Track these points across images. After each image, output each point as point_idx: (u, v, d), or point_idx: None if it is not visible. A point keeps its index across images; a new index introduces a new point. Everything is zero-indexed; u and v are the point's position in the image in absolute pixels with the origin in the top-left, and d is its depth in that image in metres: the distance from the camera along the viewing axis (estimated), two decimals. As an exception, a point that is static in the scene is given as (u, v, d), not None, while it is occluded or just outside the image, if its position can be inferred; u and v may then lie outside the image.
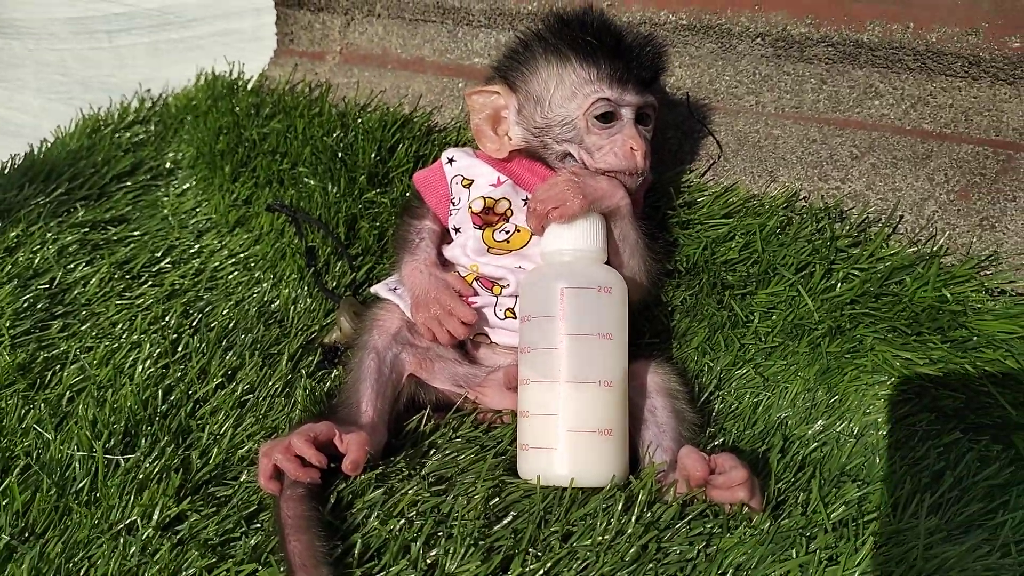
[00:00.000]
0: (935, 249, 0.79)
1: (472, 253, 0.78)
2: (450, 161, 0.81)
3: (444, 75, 1.06)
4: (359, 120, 1.00)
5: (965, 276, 0.76)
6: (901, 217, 0.84)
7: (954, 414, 0.78)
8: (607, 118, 0.74)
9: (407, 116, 1.00)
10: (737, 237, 0.84)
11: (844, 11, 0.86)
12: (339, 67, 1.13)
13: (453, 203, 0.80)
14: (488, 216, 0.77)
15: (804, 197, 0.87)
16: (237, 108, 1.06)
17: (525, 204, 0.77)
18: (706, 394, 0.84)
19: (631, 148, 0.74)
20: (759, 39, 0.91)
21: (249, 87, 1.12)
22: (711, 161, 0.92)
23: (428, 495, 0.66)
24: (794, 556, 0.61)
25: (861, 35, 0.86)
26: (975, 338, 0.75)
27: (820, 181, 0.88)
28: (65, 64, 1.50)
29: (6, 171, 1.06)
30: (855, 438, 0.78)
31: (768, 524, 0.63)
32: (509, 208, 0.78)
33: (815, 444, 0.78)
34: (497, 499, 0.67)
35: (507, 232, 0.77)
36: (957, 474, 0.73)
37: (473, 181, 0.79)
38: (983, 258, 0.79)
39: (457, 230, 0.80)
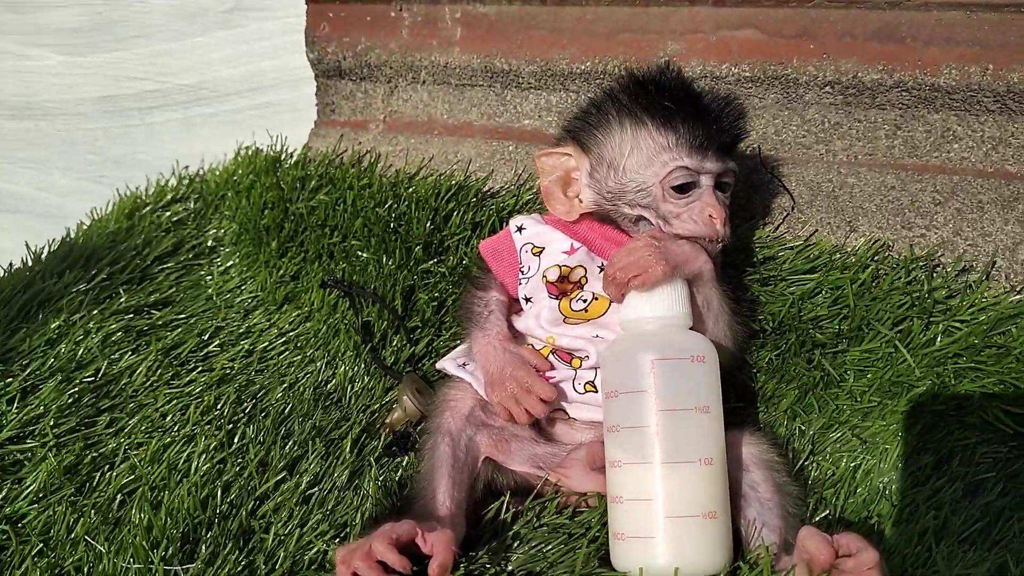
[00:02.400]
0: (1045, 294, 0.74)
1: (547, 324, 0.73)
2: (519, 229, 0.77)
3: (493, 139, 1.04)
4: (410, 189, 0.97)
5: (1083, 324, 0.71)
6: (995, 263, 0.79)
7: (1077, 473, 0.72)
8: (685, 188, 0.70)
9: (460, 183, 0.96)
10: (824, 292, 0.80)
11: (918, 56, 0.83)
12: (383, 135, 1.11)
13: (523, 272, 0.76)
14: (563, 285, 0.73)
15: (889, 247, 0.82)
16: (282, 182, 1.03)
17: (601, 271, 0.73)
18: (801, 461, 0.78)
19: (710, 216, 0.71)
20: (828, 87, 0.88)
21: (293, 160, 1.09)
22: (785, 214, 0.88)
23: (521, 593, 0.60)
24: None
25: (937, 79, 0.82)
26: (1098, 391, 0.70)
27: (904, 229, 0.83)
28: (96, 142, 1.50)
29: (43, 256, 1.03)
30: (969, 500, 0.72)
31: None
32: (584, 276, 0.73)
33: (927, 508, 0.71)
34: (595, 596, 0.61)
35: (584, 301, 0.72)
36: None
37: (544, 249, 0.75)
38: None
39: (528, 300, 0.75)
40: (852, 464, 0.78)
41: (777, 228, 0.88)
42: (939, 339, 0.76)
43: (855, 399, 0.79)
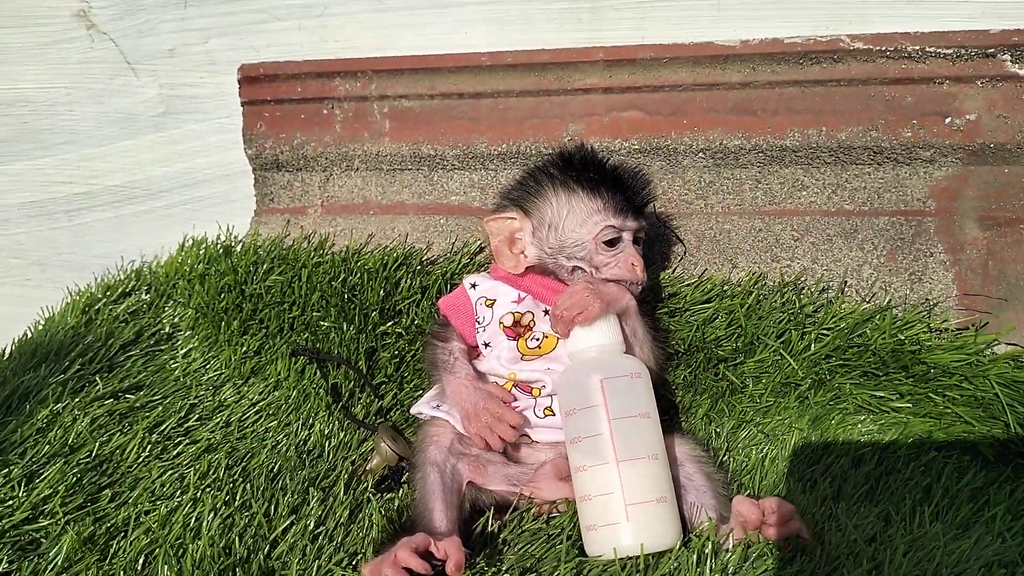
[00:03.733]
0: (886, 302, 0.96)
1: (507, 362, 0.87)
2: (473, 286, 0.92)
3: (426, 214, 1.18)
4: (359, 262, 1.10)
5: (913, 320, 0.93)
6: (846, 283, 1.01)
7: (927, 437, 0.92)
8: (612, 243, 0.88)
9: (404, 253, 1.10)
10: (720, 317, 0.98)
11: (767, 124, 1.05)
12: (322, 218, 1.23)
13: (479, 322, 0.90)
14: (517, 328, 0.88)
15: (765, 276, 1.02)
16: (238, 267, 1.13)
17: (546, 315, 0.88)
18: (720, 457, 0.95)
19: (632, 264, 0.88)
20: (700, 153, 1.08)
21: (241, 247, 1.19)
22: (679, 258, 1.07)
23: (522, 582, 0.73)
24: (846, 573, 0.72)
25: (784, 141, 1.05)
26: (932, 370, 0.91)
27: (773, 262, 1.04)
28: (20, 246, 1.52)
29: (6, 356, 1.07)
30: (854, 469, 0.91)
31: (818, 550, 0.74)
32: (532, 320, 0.89)
33: (824, 480, 0.89)
34: (581, 576, 0.74)
35: (537, 340, 0.87)
36: (943, 485, 0.87)
37: (496, 300, 0.90)
38: (920, 305, 0.96)
39: (487, 345, 0.90)
40: (760, 455, 0.96)
41: (675, 270, 1.06)
42: (813, 345, 0.96)
43: (755, 401, 0.98)
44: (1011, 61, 0.97)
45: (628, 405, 0.79)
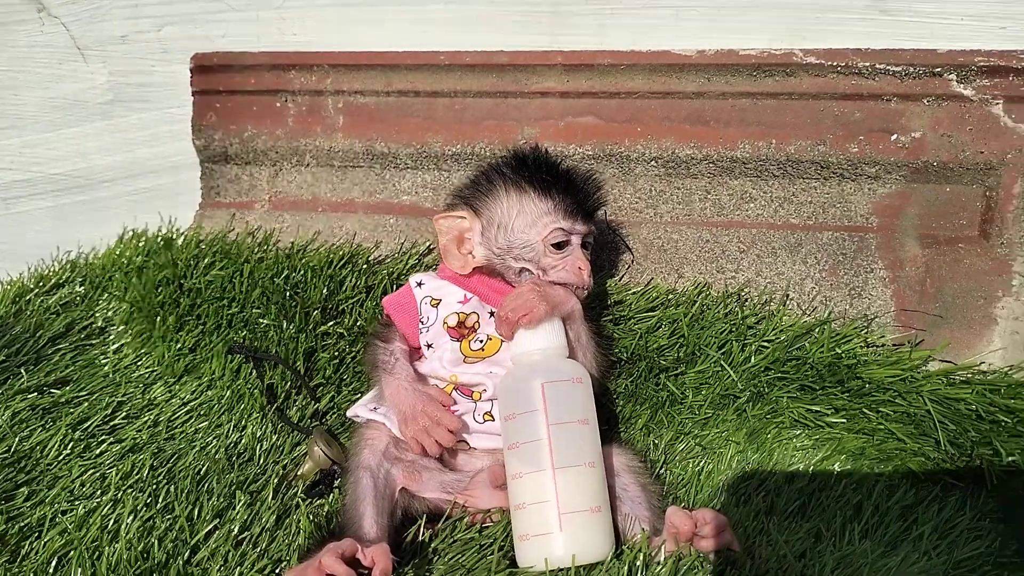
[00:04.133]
0: (825, 316, 0.96)
1: (449, 364, 0.86)
2: (419, 284, 0.90)
3: (375, 213, 1.16)
4: (304, 259, 1.07)
5: (851, 335, 0.93)
6: (788, 296, 1.01)
7: (860, 453, 0.93)
8: (561, 246, 0.87)
9: (351, 251, 1.08)
10: (664, 326, 0.98)
11: (719, 135, 1.05)
12: (269, 213, 1.20)
13: (423, 322, 0.89)
14: (461, 329, 0.86)
15: (709, 286, 1.02)
16: (177, 260, 1.10)
17: (491, 316, 0.87)
18: (656, 469, 0.94)
19: (579, 268, 0.87)
20: (653, 162, 1.08)
21: (183, 239, 1.16)
22: (627, 266, 1.06)
23: (449, 591, 0.71)
24: (775, 588, 0.72)
25: (735, 152, 1.05)
26: (867, 385, 0.91)
27: (719, 273, 1.04)
28: (-46, 236, 1.47)
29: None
30: (788, 484, 0.91)
31: (748, 563, 0.73)
32: (477, 321, 0.87)
33: (758, 494, 0.90)
34: (511, 587, 0.73)
35: (480, 341, 0.86)
36: (873, 502, 0.87)
37: (441, 300, 0.88)
38: (859, 320, 0.96)
39: (430, 346, 0.88)
40: (697, 468, 0.95)
41: (622, 278, 1.06)
42: (753, 357, 0.96)
43: (695, 413, 0.97)
44: (956, 81, 0.99)
45: (568, 411, 0.78)
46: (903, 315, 0.97)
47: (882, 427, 0.91)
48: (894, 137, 1.01)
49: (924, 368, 0.92)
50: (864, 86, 1.01)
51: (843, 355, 0.92)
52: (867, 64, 1.00)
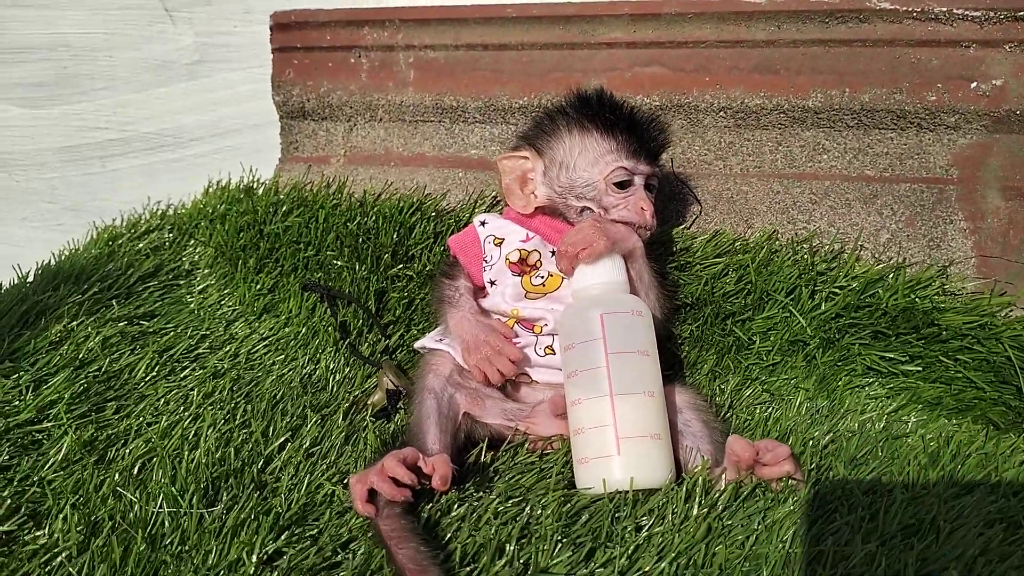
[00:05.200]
0: (899, 262, 0.94)
1: (511, 299, 0.87)
2: (483, 224, 0.92)
3: (445, 167, 1.19)
4: (376, 208, 1.11)
5: (928, 281, 0.91)
6: (862, 246, 0.99)
7: (937, 403, 0.90)
8: (623, 184, 0.87)
9: (420, 200, 1.11)
10: (731, 272, 0.97)
11: (790, 83, 1.04)
12: (344, 168, 1.25)
13: (486, 260, 0.90)
14: (523, 266, 0.88)
15: (779, 235, 1.01)
16: (257, 207, 1.15)
17: (553, 256, 0.88)
18: (722, 413, 0.93)
19: (642, 208, 0.87)
20: (721, 112, 1.07)
21: (264, 188, 1.21)
22: (694, 217, 1.06)
23: (508, 506, 0.72)
24: (839, 518, 0.70)
25: (806, 101, 1.03)
26: (944, 332, 0.88)
27: (789, 224, 1.03)
28: (54, 191, 1.57)
29: (29, 279, 1.10)
30: (859, 435, 0.89)
31: (813, 493, 0.72)
32: (539, 260, 0.88)
33: (825, 443, 0.88)
34: (568, 505, 0.73)
35: (542, 277, 0.87)
36: (951, 450, 0.84)
37: (504, 239, 0.90)
38: (936, 266, 0.93)
39: (493, 283, 0.90)
40: (764, 415, 0.94)
41: (689, 228, 1.06)
42: (823, 304, 0.94)
43: (762, 359, 0.96)
44: (1044, 26, 0.95)
45: (627, 341, 0.78)
46: (984, 264, 0.94)
47: (960, 375, 0.88)
48: (974, 85, 0.98)
49: (1004, 315, 0.88)
50: (942, 32, 0.98)
51: (919, 301, 0.90)
52: (944, 9, 0.97)
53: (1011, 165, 0.98)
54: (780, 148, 1.07)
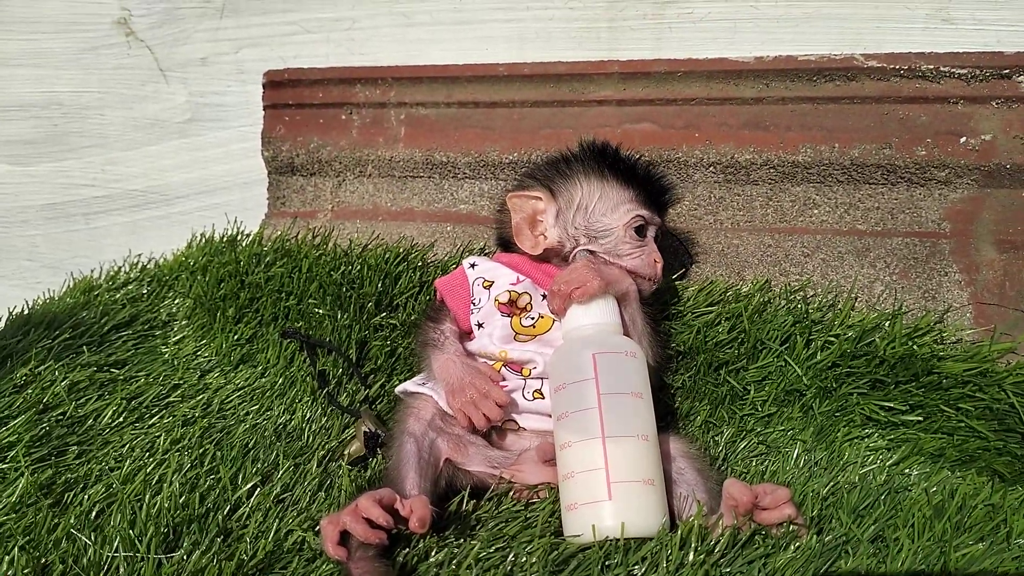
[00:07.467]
0: (897, 310, 0.92)
1: (499, 341, 0.84)
2: (472, 266, 0.90)
3: (433, 221, 1.18)
4: (361, 257, 1.09)
5: (926, 328, 0.88)
6: (856, 297, 0.97)
7: (940, 454, 0.86)
8: (641, 232, 0.88)
9: (407, 250, 1.09)
10: (724, 321, 0.95)
11: (779, 139, 1.04)
12: (331, 222, 1.23)
13: (474, 303, 0.88)
14: (512, 308, 0.85)
15: (772, 287, 0.99)
16: (240, 257, 1.13)
17: (543, 299, 0.86)
18: (717, 465, 0.89)
19: (655, 260, 0.88)
20: (711, 168, 1.08)
21: (248, 240, 1.19)
22: (684, 269, 1.04)
23: (491, 552, 0.67)
24: (843, 566, 0.66)
25: (796, 157, 1.04)
26: (945, 380, 0.86)
27: (781, 276, 1.01)
28: (35, 249, 1.54)
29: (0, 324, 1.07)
30: (860, 488, 0.85)
31: (814, 539, 0.68)
32: (529, 303, 0.86)
33: (825, 495, 0.83)
34: (555, 553, 0.68)
35: (532, 319, 0.85)
36: (956, 503, 0.80)
37: (494, 282, 0.88)
38: (933, 314, 0.92)
39: (480, 325, 0.87)
40: (760, 467, 0.90)
41: (680, 278, 1.04)
42: (819, 353, 0.91)
43: (757, 409, 0.93)
44: (1026, 83, 0.97)
45: (620, 382, 0.75)
46: (981, 314, 0.92)
47: (962, 424, 0.85)
48: (963, 140, 0.99)
49: (1006, 362, 0.86)
50: (929, 89, 1.00)
51: (917, 349, 0.87)
52: (931, 67, 0.99)
53: (1004, 219, 0.97)
54: (771, 203, 1.06)
